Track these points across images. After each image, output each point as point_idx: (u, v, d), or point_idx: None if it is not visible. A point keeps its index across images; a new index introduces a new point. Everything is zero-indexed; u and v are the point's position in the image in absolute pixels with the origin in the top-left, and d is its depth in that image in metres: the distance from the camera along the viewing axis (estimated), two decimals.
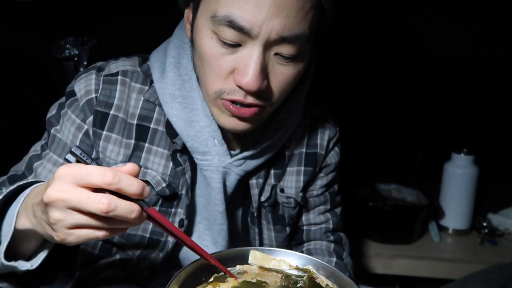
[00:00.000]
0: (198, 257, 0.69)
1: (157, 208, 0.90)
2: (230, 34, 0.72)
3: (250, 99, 0.76)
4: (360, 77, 1.80)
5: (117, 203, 0.53)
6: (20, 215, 0.63)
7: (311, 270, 0.70)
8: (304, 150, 0.99)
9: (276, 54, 0.75)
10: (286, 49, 0.74)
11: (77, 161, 0.56)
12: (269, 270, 0.70)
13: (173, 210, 0.92)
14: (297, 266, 0.71)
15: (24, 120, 1.50)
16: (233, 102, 0.77)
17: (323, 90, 1.28)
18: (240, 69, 0.73)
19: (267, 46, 0.73)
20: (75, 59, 1.55)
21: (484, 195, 1.67)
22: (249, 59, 0.73)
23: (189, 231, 0.97)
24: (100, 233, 0.56)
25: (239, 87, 0.75)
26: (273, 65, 0.76)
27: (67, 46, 1.54)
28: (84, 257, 0.92)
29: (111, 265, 0.93)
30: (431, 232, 1.56)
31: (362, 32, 1.71)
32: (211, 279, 0.67)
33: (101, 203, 0.52)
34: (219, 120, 0.82)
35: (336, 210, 1.09)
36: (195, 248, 0.65)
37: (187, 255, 0.98)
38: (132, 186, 0.54)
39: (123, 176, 0.54)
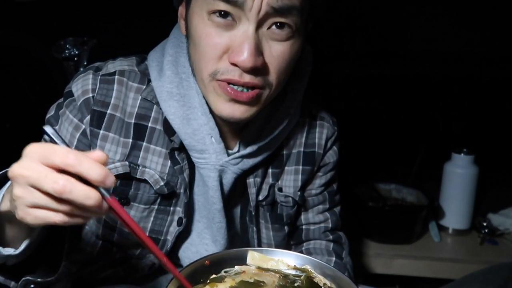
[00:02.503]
0: (198, 257, 0.69)
1: (156, 206, 0.91)
2: (223, 6, 0.72)
3: (246, 78, 0.76)
4: (359, 77, 1.80)
5: (74, 186, 0.52)
6: (4, 198, 0.64)
7: (309, 269, 0.71)
8: (302, 149, 1.00)
9: (269, 28, 0.75)
10: (279, 21, 0.75)
11: (51, 141, 0.56)
12: (267, 270, 0.70)
13: (171, 208, 0.92)
14: (295, 266, 0.71)
15: (24, 120, 1.50)
16: (229, 83, 0.77)
17: (322, 90, 1.28)
18: (234, 47, 0.74)
19: (261, 21, 0.73)
20: (75, 59, 1.55)
21: (484, 195, 1.67)
22: (243, 36, 0.73)
23: (188, 229, 0.97)
24: (57, 217, 0.54)
25: (235, 65, 0.75)
26: (267, 41, 0.76)
27: (67, 46, 1.54)
28: (84, 256, 0.92)
29: (111, 265, 0.94)
30: (431, 232, 1.56)
31: (362, 31, 1.71)
32: (209, 280, 0.67)
33: (57, 183, 0.51)
34: (216, 108, 0.81)
35: (335, 209, 1.09)
36: (153, 250, 0.60)
37: (187, 254, 0.98)
38: (93, 170, 0.52)
39: (85, 159, 0.52)
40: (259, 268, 0.70)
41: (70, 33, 1.56)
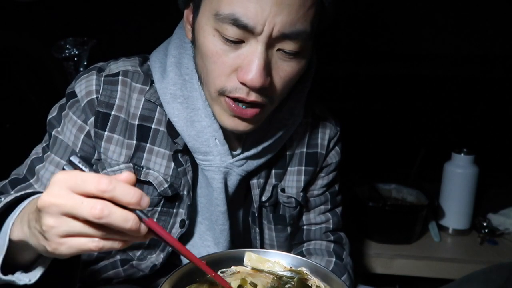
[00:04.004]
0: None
1: (159, 208, 0.90)
2: (233, 32, 0.72)
3: (253, 96, 0.76)
4: (360, 77, 1.80)
5: (111, 210, 0.51)
6: (15, 226, 0.61)
7: (304, 271, 0.71)
8: (305, 149, 0.99)
9: (278, 50, 0.75)
10: (288, 46, 0.74)
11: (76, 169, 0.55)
12: (262, 271, 0.70)
13: (174, 210, 0.92)
14: (291, 267, 0.72)
15: (24, 121, 1.51)
16: (235, 100, 0.78)
17: (323, 90, 1.28)
18: (243, 66, 0.74)
19: (270, 43, 0.73)
20: (75, 59, 1.55)
21: (484, 195, 1.67)
22: (252, 55, 0.73)
23: (190, 231, 0.97)
24: (93, 244, 0.53)
25: (243, 84, 0.75)
26: (276, 61, 0.76)
27: (67, 46, 1.54)
28: (84, 257, 0.92)
29: (112, 266, 0.94)
30: (431, 232, 1.56)
31: (363, 32, 1.71)
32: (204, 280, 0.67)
33: (94, 208, 0.50)
34: (221, 120, 0.82)
35: (336, 210, 1.09)
36: (193, 261, 0.63)
37: None
38: (128, 194, 0.52)
39: (118, 184, 0.52)
40: (254, 269, 0.70)
41: (70, 33, 1.56)
